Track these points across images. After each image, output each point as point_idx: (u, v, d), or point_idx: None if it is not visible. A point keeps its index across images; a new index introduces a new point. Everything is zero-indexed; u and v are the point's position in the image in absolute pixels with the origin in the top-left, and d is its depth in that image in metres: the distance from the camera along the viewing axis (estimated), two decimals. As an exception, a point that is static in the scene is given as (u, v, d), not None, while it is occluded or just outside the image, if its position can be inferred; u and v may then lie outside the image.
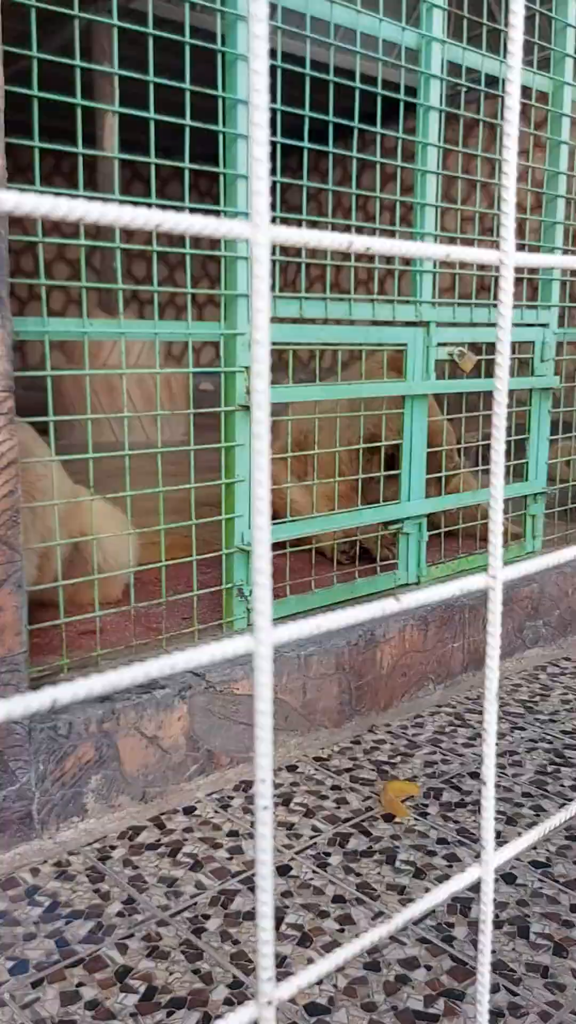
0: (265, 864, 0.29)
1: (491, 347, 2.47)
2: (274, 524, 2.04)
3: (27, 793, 1.49)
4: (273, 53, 1.94)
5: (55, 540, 1.72)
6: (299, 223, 2.04)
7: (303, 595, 2.11)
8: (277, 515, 2.41)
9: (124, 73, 1.66)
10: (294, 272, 8.65)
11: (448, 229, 5.63)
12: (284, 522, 2.08)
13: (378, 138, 2.13)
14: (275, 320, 1.94)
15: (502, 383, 0.38)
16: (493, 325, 2.45)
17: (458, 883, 0.33)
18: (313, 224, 2.30)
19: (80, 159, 1.55)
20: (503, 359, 0.37)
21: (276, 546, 2.17)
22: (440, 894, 0.35)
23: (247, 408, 1.87)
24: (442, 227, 2.34)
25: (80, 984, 1.20)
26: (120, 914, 1.35)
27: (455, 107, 2.31)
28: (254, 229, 0.21)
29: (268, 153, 0.20)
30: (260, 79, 0.21)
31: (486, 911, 0.36)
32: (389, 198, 2.17)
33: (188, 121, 1.70)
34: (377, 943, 1.30)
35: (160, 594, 1.85)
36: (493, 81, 2.41)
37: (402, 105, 2.15)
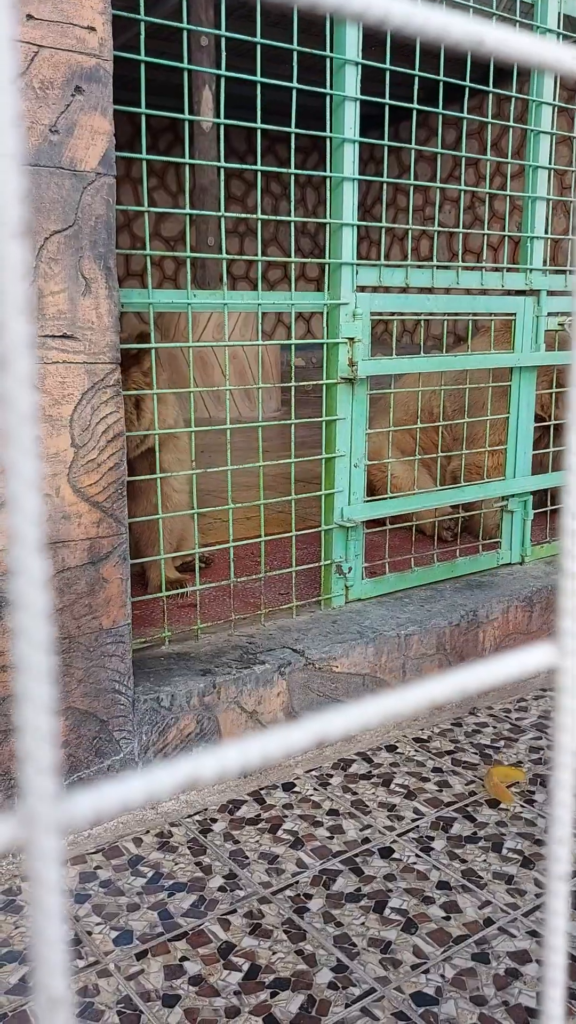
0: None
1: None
2: (375, 500, 1.99)
3: (130, 763, 1.50)
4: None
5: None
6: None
7: (402, 573, 2.06)
8: (377, 491, 2.36)
9: (231, 35, 1.62)
10: (392, 240, 8.54)
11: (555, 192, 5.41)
12: (385, 498, 2.02)
13: (489, 98, 2.04)
14: (380, 290, 1.88)
15: None
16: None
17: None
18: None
19: (186, 125, 1.52)
20: None
21: (375, 523, 2.13)
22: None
23: (350, 381, 1.83)
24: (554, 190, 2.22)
25: (184, 958, 1.20)
26: (222, 888, 1.35)
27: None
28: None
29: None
30: None
31: None
32: (500, 160, 2.08)
33: (295, 84, 1.65)
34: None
35: (259, 569, 1.83)
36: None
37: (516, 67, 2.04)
